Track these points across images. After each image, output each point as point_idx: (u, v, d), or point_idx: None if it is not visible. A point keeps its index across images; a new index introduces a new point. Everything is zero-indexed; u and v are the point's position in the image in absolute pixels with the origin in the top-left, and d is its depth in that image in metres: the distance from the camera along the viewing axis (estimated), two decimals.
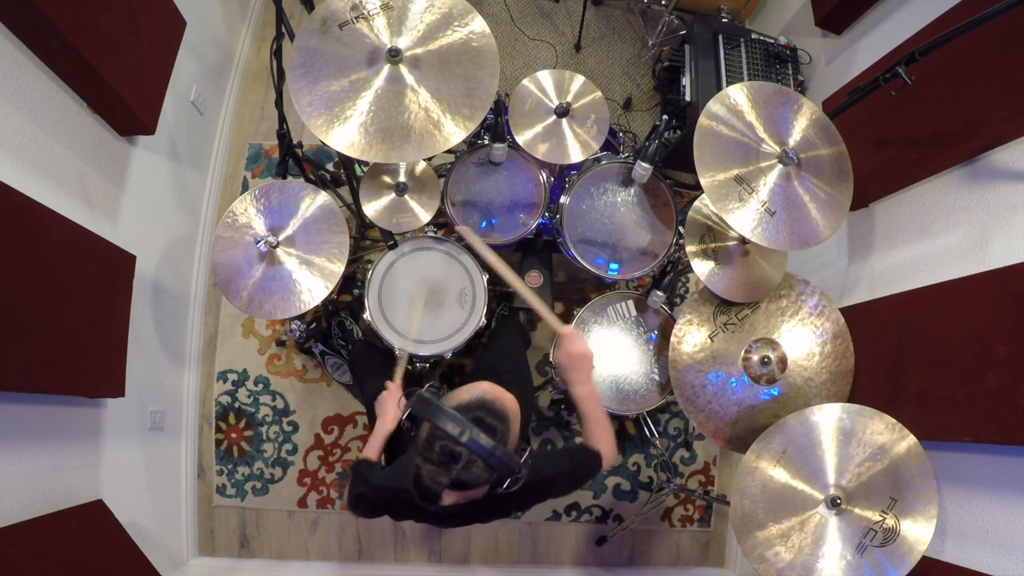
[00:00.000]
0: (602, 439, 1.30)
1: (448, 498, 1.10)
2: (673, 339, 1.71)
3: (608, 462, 1.29)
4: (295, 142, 1.90)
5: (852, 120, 1.66)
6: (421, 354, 1.78)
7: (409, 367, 1.96)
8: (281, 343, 2.38)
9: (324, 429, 2.38)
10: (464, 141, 1.34)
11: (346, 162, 1.99)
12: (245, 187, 2.50)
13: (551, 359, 2.28)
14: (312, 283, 1.59)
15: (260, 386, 2.38)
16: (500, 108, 1.59)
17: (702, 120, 1.43)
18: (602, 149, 1.82)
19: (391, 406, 1.51)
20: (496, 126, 1.62)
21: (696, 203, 1.71)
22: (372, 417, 1.75)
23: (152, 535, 2.00)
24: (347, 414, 2.39)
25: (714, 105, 1.45)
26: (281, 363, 2.39)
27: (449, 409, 0.99)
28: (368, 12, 1.29)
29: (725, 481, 2.54)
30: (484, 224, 1.81)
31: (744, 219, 1.42)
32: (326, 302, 1.79)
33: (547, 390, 2.39)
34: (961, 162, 1.61)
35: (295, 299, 1.58)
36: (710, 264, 1.66)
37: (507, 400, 1.08)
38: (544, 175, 1.80)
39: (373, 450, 1.47)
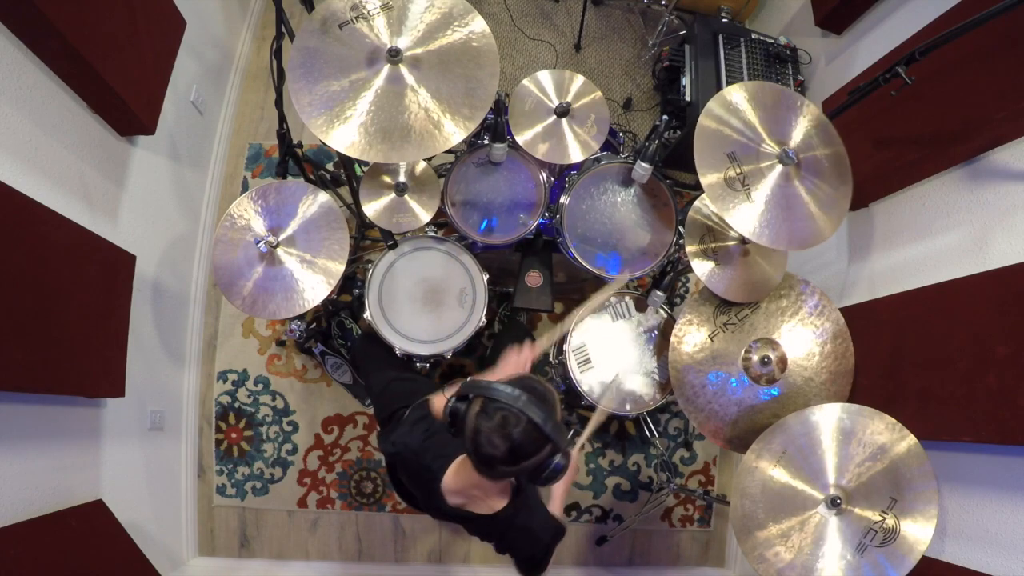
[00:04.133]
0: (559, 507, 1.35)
1: (455, 499, 1.18)
2: (673, 339, 1.71)
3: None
4: (295, 142, 1.90)
5: (852, 120, 1.66)
6: (421, 354, 1.78)
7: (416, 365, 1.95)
8: (281, 343, 2.38)
9: (324, 429, 2.38)
10: (464, 141, 1.34)
11: (346, 162, 1.99)
12: (245, 187, 2.50)
13: (550, 358, 2.29)
14: (314, 282, 1.59)
15: (260, 386, 2.38)
16: (500, 108, 1.59)
17: (702, 120, 1.43)
18: (602, 149, 1.82)
19: (521, 364, 1.38)
20: (496, 126, 1.61)
21: (696, 203, 1.71)
22: (377, 410, 1.75)
23: (152, 535, 2.00)
24: (347, 414, 2.39)
25: (714, 105, 1.45)
26: (281, 363, 2.39)
27: (501, 384, 1.02)
28: (368, 12, 1.29)
29: (725, 481, 2.54)
30: (484, 224, 1.80)
31: (742, 215, 1.41)
32: (326, 302, 1.79)
33: None
34: (961, 162, 1.61)
35: (297, 298, 1.58)
36: (710, 264, 1.66)
37: (548, 385, 1.11)
38: (544, 175, 1.79)
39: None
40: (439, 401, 1.42)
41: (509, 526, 1.22)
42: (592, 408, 1.96)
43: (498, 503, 1.19)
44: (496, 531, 1.25)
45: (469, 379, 1.09)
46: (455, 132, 1.29)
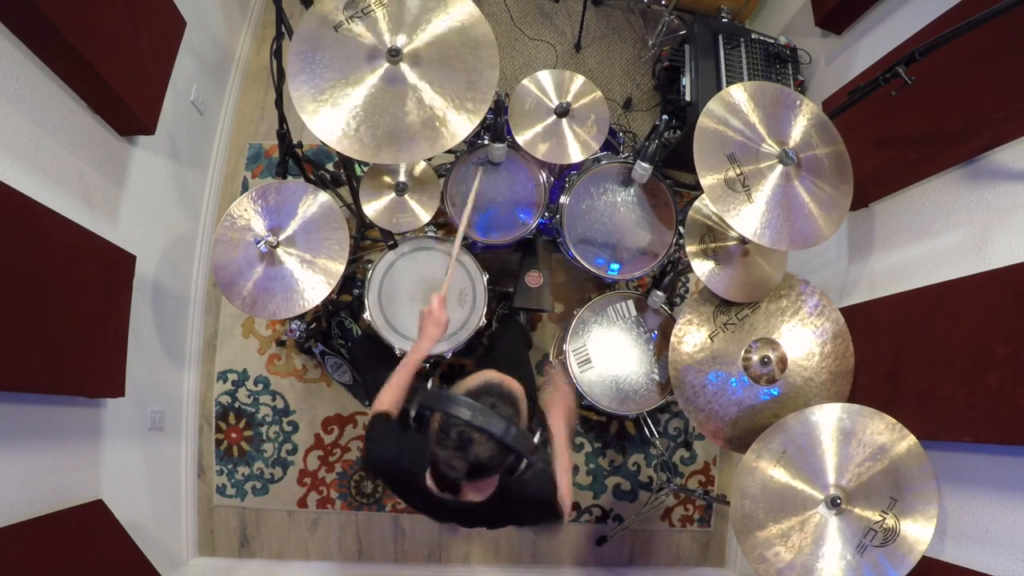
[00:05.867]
0: (566, 488, 1.30)
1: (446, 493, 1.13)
2: (673, 339, 1.71)
3: (567, 514, 1.29)
4: (295, 142, 1.90)
5: (852, 120, 1.65)
6: None
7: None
8: (281, 343, 2.38)
9: (324, 429, 2.38)
10: (464, 141, 1.34)
11: (346, 162, 1.99)
12: (245, 187, 2.50)
13: (550, 357, 2.28)
14: (314, 282, 1.59)
15: (260, 386, 2.38)
16: (500, 108, 1.59)
17: (702, 120, 1.43)
18: (602, 149, 1.82)
19: (434, 324, 1.37)
20: (496, 126, 1.61)
21: (696, 203, 1.71)
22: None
23: (152, 535, 2.00)
24: (347, 414, 2.39)
25: (714, 105, 1.45)
26: (281, 363, 2.39)
27: (459, 396, 1.00)
28: (363, 12, 1.29)
29: (725, 481, 2.54)
30: (484, 224, 1.81)
31: (742, 216, 1.41)
32: (326, 302, 1.79)
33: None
34: (961, 162, 1.61)
35: (298, 298, 1.58)
36: (710, 264, 1.66)
37: (512, 384, 1.09)
38: (544, 175, 1.80)
39: (395, 392, 1.34)
40: (433, 326, 1.39)
41: (510, 504, 1.19)
42: (592, 408, 1.96)
43: (487, 487, 1.17)
44: (501, 515, 1.23)
45: (429, 387, 1.06)
46: (460, 127, 1.28)
